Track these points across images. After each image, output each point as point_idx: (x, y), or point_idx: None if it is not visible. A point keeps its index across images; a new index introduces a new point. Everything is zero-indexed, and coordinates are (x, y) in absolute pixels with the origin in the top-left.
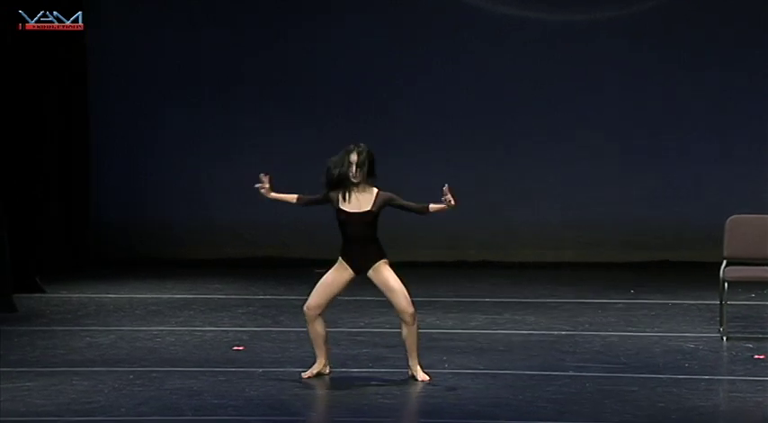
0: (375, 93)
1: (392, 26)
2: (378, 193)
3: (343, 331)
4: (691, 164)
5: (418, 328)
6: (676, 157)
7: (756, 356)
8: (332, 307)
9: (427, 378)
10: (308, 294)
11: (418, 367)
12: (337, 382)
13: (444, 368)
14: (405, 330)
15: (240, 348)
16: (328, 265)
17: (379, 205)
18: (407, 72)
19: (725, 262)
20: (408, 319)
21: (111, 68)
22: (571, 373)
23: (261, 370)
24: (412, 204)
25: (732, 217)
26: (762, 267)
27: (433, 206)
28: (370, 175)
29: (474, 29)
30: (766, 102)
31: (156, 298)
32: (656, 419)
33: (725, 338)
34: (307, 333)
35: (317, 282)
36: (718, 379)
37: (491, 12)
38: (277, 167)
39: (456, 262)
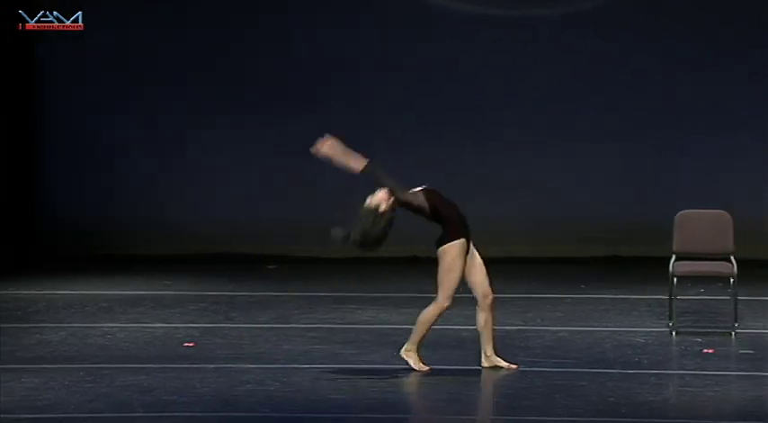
0: (343, 88)
1: (361, 25)
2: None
3: (296, 327)
4: (644, 157)
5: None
6: (630, 152)
7: (705, 351)
8: (284, 302)
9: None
10: (257, 290)
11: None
12: (289, 379)
13: (396, 364)
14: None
15: (191, 345)
16: (280, 260)
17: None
18: (377, 70)
19: (674, 257)
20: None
21: (59, 65)
22: (522, 368)
23: (212, 366)
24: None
25: (681, 212)
26: (710, 262)
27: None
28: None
29: (445, 27)
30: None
31: (106, 294)
32: (607, 414)
33: (674, 333)
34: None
35: (268, 278)
36: (667, 373)
37: (459, 9)
38: (235, 166)
39: (409, 258)
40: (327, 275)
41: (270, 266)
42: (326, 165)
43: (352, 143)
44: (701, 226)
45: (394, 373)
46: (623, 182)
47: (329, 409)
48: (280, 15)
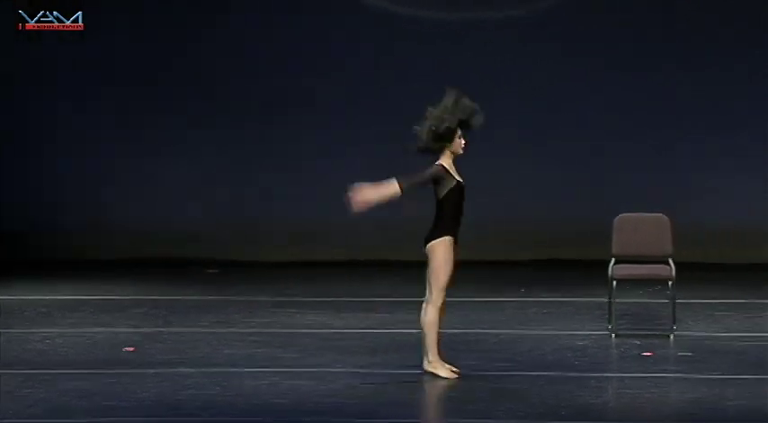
0: (287, 91)
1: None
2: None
3: (236, 332)
4: (586, 159)
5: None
6: (575, 153)
7: (644, 353)
8: (225, 306)
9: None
10: (197, 294)
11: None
12: (230, 383)
13: (337, 368)
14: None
15: (131, 349)
16: (220, 265)
17: None
18: (323, 70)
19: (613, 260)
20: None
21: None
22: (463, 371)
23: (153, 371)
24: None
25: (620, 215)
26: (649, 265)
27: None
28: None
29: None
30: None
31: (45, 299)
32: (548, 417)
33: (614, 336)
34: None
35: (209, 282)
36: (607, 376)
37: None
38: (177, 167)
39: (349, 262)
40: (268, 279)
41: (210, 270)
42: (265, 168)
43: (303, 145)
44: (640, 229)
45: (335, 378)
46: (566, 184)
47: (270, 414)
48: (239, 15)
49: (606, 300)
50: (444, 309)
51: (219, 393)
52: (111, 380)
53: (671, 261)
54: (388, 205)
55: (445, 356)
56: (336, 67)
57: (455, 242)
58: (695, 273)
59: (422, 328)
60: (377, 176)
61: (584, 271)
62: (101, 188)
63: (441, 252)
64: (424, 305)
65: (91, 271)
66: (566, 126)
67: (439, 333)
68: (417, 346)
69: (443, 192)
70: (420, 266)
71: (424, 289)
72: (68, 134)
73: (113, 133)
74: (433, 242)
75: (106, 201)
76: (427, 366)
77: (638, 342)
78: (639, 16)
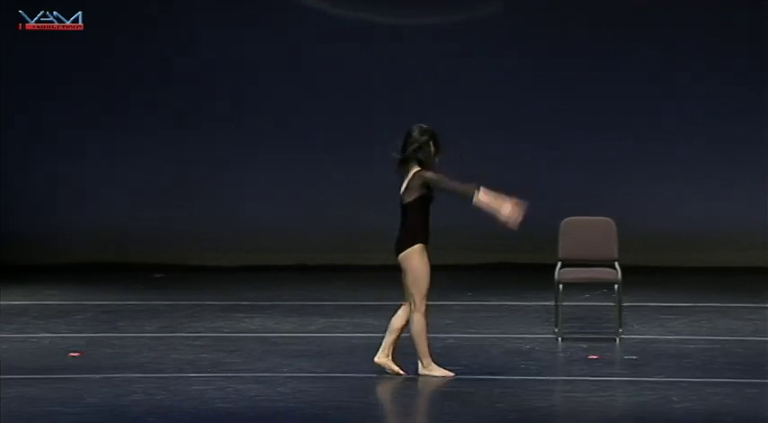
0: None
1: (246, 25)
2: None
3: (182, 336)
4: (534, 165)
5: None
6: (528, 160)
7: (590, 357)
8: (171, 311)
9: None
10: (143, 299)
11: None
12: (176, 388)
13: (284, 372)
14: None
15: (77, 354)
16: (166, 270)
17: None
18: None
19: (560, 263)
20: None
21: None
22: (411, 375)
23: (99, 376)
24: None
25: (566, 219)
26: (595, 269)
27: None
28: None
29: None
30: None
31: None
32: (495, 421)
33: (560, 339)
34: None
35: (155, 287)
36: (554, 379)
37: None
38: (122, 175)
39: (297, 266)
40: (214, 284)
41: (157, 275)
42: (211, 172)
43: (233, 152)
44: (586, 233)
45: (283, 382)
46: (512, 187)
47: (217, 419)
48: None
49: (553, 303)
50: (413, 318)
51: (166, 398)
52: (56, 385)
53: (617, 265)
54: (337, 213)
55: (400, 360)
56: (286, 69)
57: (426, 247)
58: (641, 276)
59: (412, 337)
60: (324, 179)
61: (531, 275)
62: (45, 194)
63: (415, 261)
64: (403, 306)
65: (35, 276)
66: (512, 130)
67: (428, 337)
68: (367, 350)
69: (412, 196)
70: (370, 271)
71: (377, 293)
72: (8, 140)
73: (65, 136)
74: (406, 252)
75: (50, 206)
76: (422, 371)
77: (585, 345)
78: (594, 20)
